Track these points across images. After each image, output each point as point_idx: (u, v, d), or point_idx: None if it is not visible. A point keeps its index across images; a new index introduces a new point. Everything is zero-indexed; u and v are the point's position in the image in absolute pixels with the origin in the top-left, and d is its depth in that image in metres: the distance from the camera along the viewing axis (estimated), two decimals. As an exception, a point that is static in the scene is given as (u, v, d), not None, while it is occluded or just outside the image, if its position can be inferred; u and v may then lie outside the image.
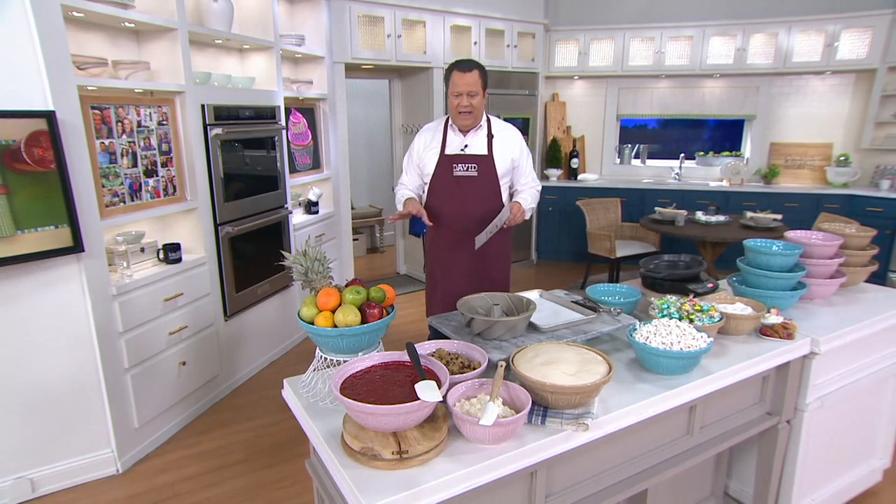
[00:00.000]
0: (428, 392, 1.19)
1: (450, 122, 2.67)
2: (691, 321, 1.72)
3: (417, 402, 1.16)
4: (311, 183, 4.47)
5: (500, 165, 2.63)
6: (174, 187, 2.96)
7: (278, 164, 3.76)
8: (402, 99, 5.57)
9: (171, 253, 2.92)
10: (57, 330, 2.41)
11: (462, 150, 2.62)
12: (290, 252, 3.25)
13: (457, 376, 1.38)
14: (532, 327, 1.71)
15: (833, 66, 5.47)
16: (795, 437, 2.01)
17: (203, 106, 3.03)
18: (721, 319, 1.75)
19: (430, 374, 1.30)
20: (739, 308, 1.89)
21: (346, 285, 1.55)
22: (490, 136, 2.63)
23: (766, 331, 1.84)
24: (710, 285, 2.10)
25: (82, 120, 2.37)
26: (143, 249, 2.86)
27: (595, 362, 1.43)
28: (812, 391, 1.96)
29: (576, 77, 6.38)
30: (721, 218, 4.59)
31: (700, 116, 6.33)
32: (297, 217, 4.22)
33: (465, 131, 2.63)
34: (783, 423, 1.95)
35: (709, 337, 1.62)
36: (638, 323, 1.70)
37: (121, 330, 2.60)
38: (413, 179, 2.74)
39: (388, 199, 6.77)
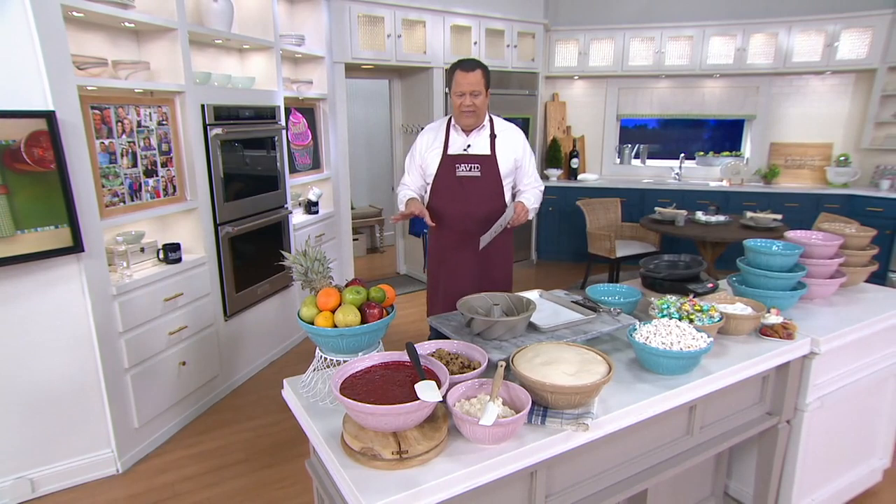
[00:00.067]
0: (428, 392, 1.19)
1: (452, 121, 2.65)
2: (691, 321, 1.72)
3: (417, 402, 1.16)
4: (311, 183, 4.47)
5: (504, 165, 2.63)
6: (174, 187, 2.96)
7: (278, 164, 3.76)
8: (402, 99, 5.57)
9: (171, 253, 2.92)
10: (57, 330, 2.41)
11: (465, 150, 2.62)
12: (289, 252, 3.25)
13: (457, 376, 1.38)
14: (532, 327, 1.70)
15: (833, 66, 5.47)
16: (795, 437, 2.01)
17: (203, 106, 3.03)
18: (721, 319, 1.75)
19: (430, 374, 1.30)
20: (739, 308, 1.89)
21: (346, 285, 1.55)
22: (493, 136, 2.63)
23: (766, 331, 1.84)
24: (710, 285, 2.10)
25: (82, 120, 2.37)
26: (143, 249, 2.86)
27: (595, 362, 1.43)
28: (812, 391, 1.96)
29: (576, 77, 6.38)
30: (721, 218, 4.59)
31: (700, 116, 6.33)
32: (297, 217, 4.22)
33: (467, 131, 2.62)
34: (783, 423, 1.95)
35: (709, 337, 1.62)
36: (638, 323, 1.70)
37: (121, 330, 2.60)
38: (415, 180, 2.73)
39: (388, 199, 6.77)
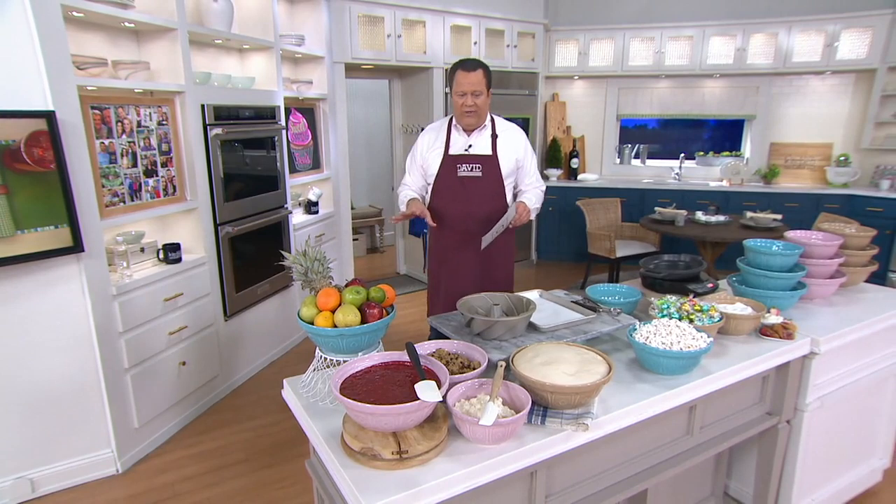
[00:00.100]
0: (428, 392, 1.19)
1: (454, 122, 2.64)
2: (691, 321, 1.72)
3: (417, 402, 1.16)
4: (311, 183, 4.47)
5: (505, 165, 2.62)
6: (174, 187, 2.96)
7: (278, 164, 3.76)
8: (402, 99, 5.57)
9: (170, 253, 2.92)
10: (57, 330, 2.41)
11: (466, 150, 2.61)
12: (289, 252, 3.25)
13: (457, 376, 1.38)
14: (532, 327, 1.70)
15: (833, 66, 5.47)
16: (795, 437, 2.01)
17: (203, 106, 3.03)
18: (721, 319, 1.75)
19: (430, 374, 1.30)
20: (739, 308, 1.89)
21: (346, 285, 1.55)
22: (494, 136, 2.62)
23: (765, 331, 1.84)
24: (710, 285, 2.10)
25: (82, 120, 2.37)
26: (142, 249, 2.86)
27: (595, 362, 1.43)
28: (812, 391, 1.96)
29: (576, 77, 6.38)
30: (721, 218, 4.60)
31: (700, 116, 6.33)
32: (297, 217, 4.22)
33: (469, 131, 2.62)
34: (783, 423, 1.95)
35: (709, 337, 1.62)
36: (638, 323, 1.70)
37: (121, 330, 2.60)
38: (416, 180, 2.72)
39: (387, 199, 6.77)
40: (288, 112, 4.02)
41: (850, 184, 5.58)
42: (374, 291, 1.56)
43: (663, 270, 2.17)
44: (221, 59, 3.64)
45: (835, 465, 2.25)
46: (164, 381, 2.88)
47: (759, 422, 1.89)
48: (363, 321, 1.47)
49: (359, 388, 1.27)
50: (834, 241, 2.18)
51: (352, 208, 5.29)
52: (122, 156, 2.65)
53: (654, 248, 5.01)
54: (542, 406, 1.37)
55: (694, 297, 1.91)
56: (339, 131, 4.68)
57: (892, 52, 5.23)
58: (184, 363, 2.99)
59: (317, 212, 4.41)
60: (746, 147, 6.27)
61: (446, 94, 5.17)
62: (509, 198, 2.69)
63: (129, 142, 2.68)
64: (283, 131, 3.80)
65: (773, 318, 1.85)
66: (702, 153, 6.36)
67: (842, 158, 5.67)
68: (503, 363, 1.37)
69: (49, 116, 2.19)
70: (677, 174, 6.22)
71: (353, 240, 5.36)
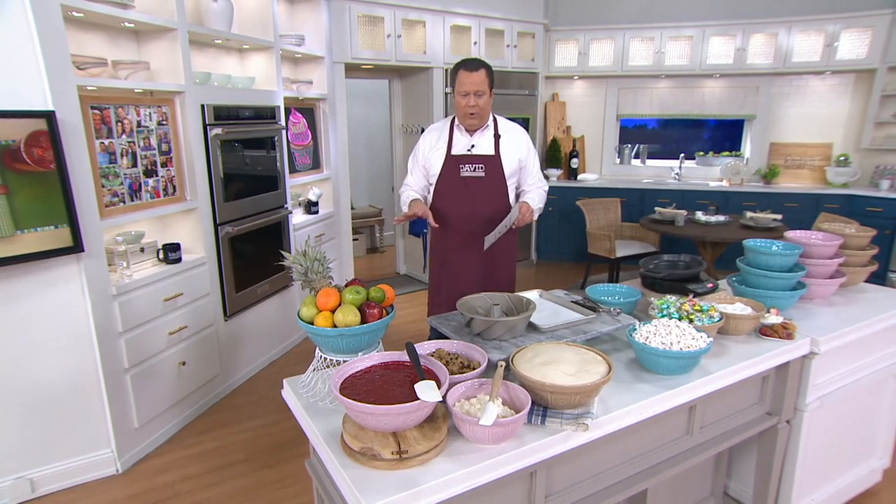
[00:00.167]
0: (427, 392, 1.19)
1: (456, 122, 2.63)
2: (691, 321, 1.72)
3: (417, 402, 1.16)
4: (311, 183, 4.47)
5: (508, 166, 2.61)
6: (174, 187, 2.96)
7: (278, 164, 3.76)
8: (402, 99, 5.57)
9: (170, 253, 2.92)
10: (57, 330, 2.41)
11: (469, 150, 2.60)
12: (289, 252, 3.25)
13: (456, 376, 1.38)
14: (532, 327, 1.71)
15: (833, 66, 5.47)
16: (795, 437, 2.01)
17: (203, 106, 3.03)
18: (721, 319, 1.75)
19: (430, 374, 1.30)
20: (739, 308, 1.89)
21: (346, 285, 1.55)
22: (497, 136, 2.61)
23: (765, 331, 1.84)
24: (710, 285, 2.10)
25: (82, 120, 2.37)
26: (142, 249, 2.86)
27: (595, 362, 1.43)
28: (812, 391, 1.96)
29: (576, 77, 6.38)
30: (721, 218, 4.60)
31: (700, 116, 6.33)
32: (297, 217, 4.22)
33: (471, 131, 2.61)
34: (783, 423, 1.95)
35: (708, 337, 1.62)
36: (638, 323, 1.70)
37: (120, 330, 2.60)
38: (418, 180, 2.71)
39: (388, 200, 6.77)
40: (288, 112, 4.02)
41: (849, 184, 5.59)
42: (373, 291, 1.56)
43: (663, 270, 2.17)
44: (221, 59, 3.64)
45: (834, 465, 2.25)
46: (164, 381, 2.88)
47: (759, 422, 1.89)
48: (363, 321, 1.47)
49: (359, 388, 1.27)
50: (834, 241, 2.18)
51: (352, 208, 5.29)
52: (121, 156, 2.65)
53: (654, 248, 5.01)
54: (542, 406, 1.37)
55: (694, 297, 1.91)
56: (339, 131, 4.68)
57: (892, 52, 5.23)
58: (184, 363, 2.99)
59: (317, 212, 4.41)
60: (746, 147, 6.27)
61: (446, 94, 5.17)
62: (512, 198, 2.68)
63: (129, 142, 2.68)
64: (283, 131, 3.80)
65: (773, 318, 1.85)
66: (702, 153, 6.36)
67: (842, 158, 5.68)
68: (503, 363, 1.37)
69: (49, 116, 2.19)
70: (677, 174, 6.22)
71: (353, 240, 5.37)
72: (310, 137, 4.44)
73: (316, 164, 4.55)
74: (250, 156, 3.50)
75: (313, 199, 4.38)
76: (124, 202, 2.68)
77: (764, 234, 4.07)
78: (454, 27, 5.11)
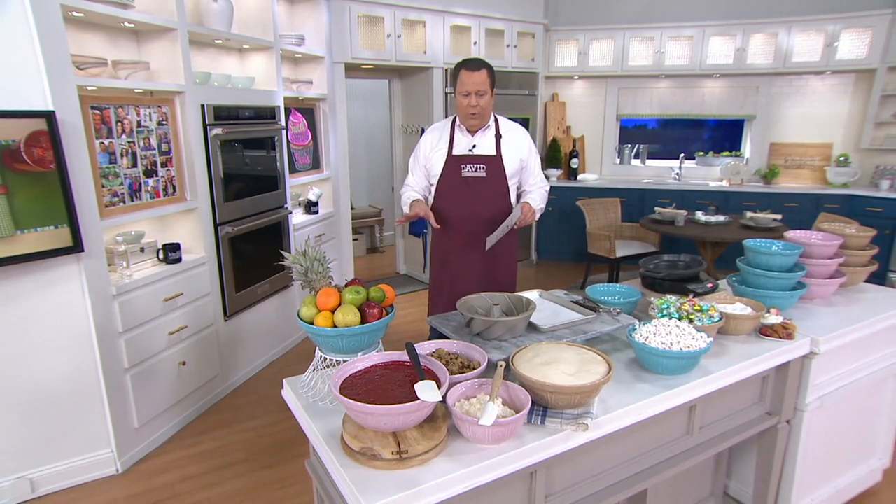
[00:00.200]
0: (427, 392, 1.19)
1: (457, 122, 2.62)
2: (691, 321, 1.72)
3: (417, 402, 1.16)
4: (311, 183, 4.47)
5: (509, 166, 2.60)
6: (174, 187, 2.96)
7: (278, 164, 3.76)
8: (402, 99, 5.57)
9: (170, 253, 2.92)
10: (57, 330, 2.41)
11: (470, 150, 2.59)
12: (289, 252, 3.25)
13: (456, 376, 1.38)
14: (532, 327, 1.71)
15: (833, 66, 5.47)
16: (795, 437, 2.01)
17: (203, 106, 3.03)
18: (721, 319, 1.75)
19: (430, 374, 1.30)
20: (739, 308, 1.89)
21: (346, 285, 1.55)
22: (498, 136, 2.61)
23: (765, 331, 1.84)
24: (710, 285, 2.10)
25: (82, 120, 2.37)
26: (142, 249, 2.86)
27: (595, 362, 1.43)
28: (812, 391, 1.96)
29: (576, 77, 6.38)
30: (721, 218, 4.60)
31: (700, 116, 6.33)
32: (297, 217, 4.22)
33: (473, 131, 2.60)
34: (783, 423, 1.95)
35: (708, 337, 1.62)
36: (637, 323, 1.70)
37: (120, 330, 2.60)
38: (419, 181, 2.70)
39: (387, 200, 6.77)
40: (288, 112, 4.02)
41: (849, 184, 5.59)
42: (373, 291, 1.56)
43: (663, 270, 2.17)
44: (221, 59, 3.64)
45: (834, 465, 2.25)
46: (164, 381, 2.88)
47: (759, 422, 1.89)
48: (363, 321, 1.47)
49: (358, 388, 1.27)
50: (834, 241, 2.18)
51: (352, 208, 5.29)
52: (121, 156, 2.65)
53: (654, 248, 5.01)
54: (542, 406, 1.37)
55: (694, 297, 1.91)
56: (339, 131, 4.68)
57: (892, 52, 5.23)
58: (184, 363, 2.99)
59: (317, 212, 4.41)
60: (746, 147, 6.27)
61: (446, 94, 5.17)
62: (513, 198, 2.68)
63: (129, 142, 2.68)
64: (283, 131, 3.80)
65: (773, 318, 1.85)
66: (702, 153, 6.36)
67: (842, 158, 5.68)
68: (503, 363, 1.37)
69: (49, 116, 2.19)
70: (677, 174, 6.22)
71: (353, 240, 5.36)
72: (310, 137, 4.44)
73: (316, 164, 4.55)
74: (250, 156, 3.50)
75: (313, 199, 4.38)
76: (124, 202, 2.68)
77: (764, 234, 4.07)
78: (454, 27, 5.11)
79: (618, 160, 6.64)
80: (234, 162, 3.33)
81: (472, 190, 2.59)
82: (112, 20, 2.62)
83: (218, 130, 3.13)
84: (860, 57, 5.37)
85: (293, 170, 4.19)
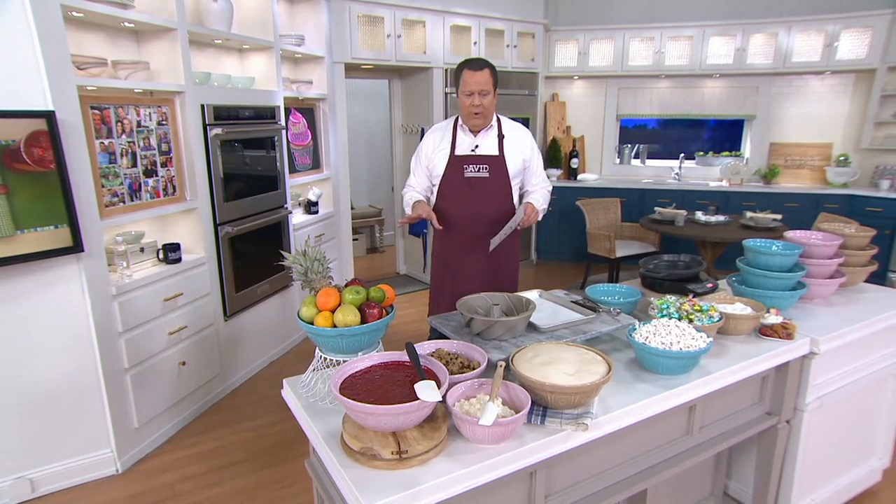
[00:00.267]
0: (427, 392, 1.19)
1: (459, 122, 2.61)
2: (691, 321, 1.72)
3: (417, 402, 1.16)
4: (311, 183, 4.47)
5: (512, 166, 2.59)
6: (174, 187, 2.96)
7: (278, 164, 3.76)
8: (402, 99, 5.57)
9: (170, 253, 2.92)
10: (57, 330, 2.41)
11: (473, 150, 2.58)
12: (289, 252, 3.25)
13: (456, 376, 1.38)
14: (532, 327, 1.71)
15: (833, 66, 5.47)
16: (795, 437, 2.01)
17: (203, 106, 3.03)
18: (720, 319, 1.75)
19: (430, 374, 1.30)
20: (739, 308, 1.89)
21: (346, 285, 1.55)
22: (501, 137, 2.60)
23: (765, 331, 1.84)
24: (710, 285, 2.10)
25: (82, 120, 2.37)
26: (142, 249, 2.86)
27: (594, 362, 1.43)
28: (811, 391, 1.96)
29: (576, 77, 6.39)
30: (721, 218, 4.60)
31: (700, 116, 6.33)
32: (297, 217, 4.22)
33: (475, 131, 2.59)
34: (783, 423, 1.95)
35: (708, 337, 1.62)
36: (637, 323, 1.70)
37: (120, 330, 2.60)
38: (421, 181, 2.69)
39: (387, 200, 6.77)
40: (288, 112, 4.02)
41: (849, 184, 5.59)
42: (373, 291, 1.56)
43: (663, 270, 2.17)
44: (221, 59, 3.64)
45: (834, 465, 2.25)
46: (164, 381, 2.88)
47: (759, 422, 1.89)
48: (363, 321, 1.48)
49: (358, 388, 1.27)
50: (833, 241, 2.18)
51: (352, 208, 5.29)
52: (121, 156, 2.65)
53: (653, 248, 5.01)
54: (542, 406, 1.37)
55: (693, 297, 1.91)
56: (339, 131, 4.68)
57: (892, 52, 5.23)
58: (183, 363, 2.99)
59: (317, 212, 4.41)
60: (746, 147, 6.27)
61: (446, 94, 5.17)
62: (516, 199, 2.67)
63: (129, 142, 2.68)
64: (283, 131, 3.80)
65: (773, 318, 1.85)
66: (702, 153, 6.36)
67: (841, 158, 5.68)
68: (503, 363, 1.37)
69: (49, 116, 2.19)
70: (677, 174, 6.22)
71: (353, 240, 5.36)
72: (310, 137, 4.44)
73: (316, 164, 4.55)
74: (250, 156, 3.50)
75: (313, 199, 4.38)
76: (124, 202, 2.68)
77: (764, 234, 4.07)
78: (454, 27, 5.11)
79: (618, 160, 6.64)
80: (234, 162, 3.33)
81: (474, 190, 2.58)
82: (112, 20, 2.62)
83: (218, 130, 3.13)
84: (860, 57, 5.37)
85: (293, 170, 4.19)
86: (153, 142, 2.81)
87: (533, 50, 5.77)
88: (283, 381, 1.60)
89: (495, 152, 2.58)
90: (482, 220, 2.59)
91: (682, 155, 6.26)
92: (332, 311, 1.48)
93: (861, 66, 5.39)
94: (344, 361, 1.46)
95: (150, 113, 2.77)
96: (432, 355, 1.51)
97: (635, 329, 1.67)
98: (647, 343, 1.58)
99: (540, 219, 2.57)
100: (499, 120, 2.63)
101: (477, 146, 2.58)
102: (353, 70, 4.92)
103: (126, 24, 2.71)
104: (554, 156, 6.27)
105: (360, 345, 1.49)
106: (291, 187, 4.01)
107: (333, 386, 1.24)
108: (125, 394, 2.66)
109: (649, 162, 6.61)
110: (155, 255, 2.95)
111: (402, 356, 1.39)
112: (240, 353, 3.51)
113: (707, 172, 6.27)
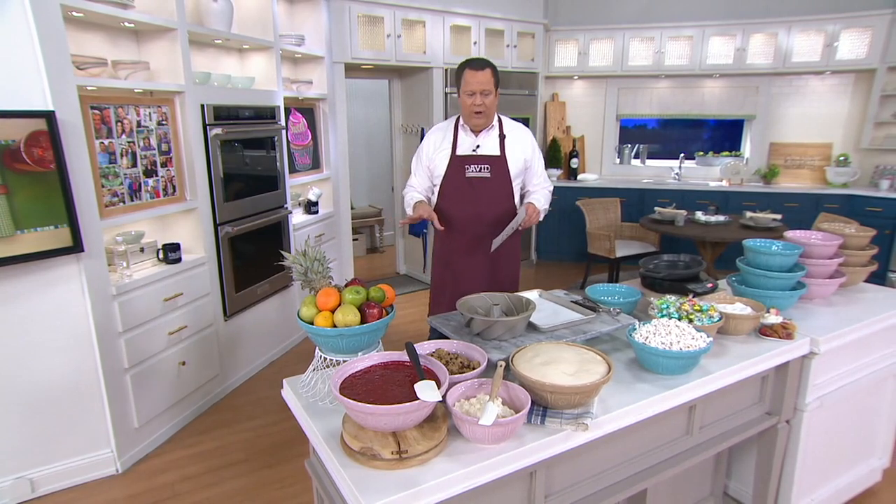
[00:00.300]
0: (427, 392, 1.19)
1: (461, 122, 2.61)
2: (691, 321, 1.72)
3: (417, 401, 1.16)
4: (311, 183, 4.47)
5: (514, 166, 2.59)
6: (174, 187, 2.96)
7: (278, 164, 3.76)
8: (402, 99, 5.57)
9: (170, 253, 2.92)
10: (57, 330, 2.41)
11: (474, 150, 2.58)
12: (289, 252, 3.25)
13: (456, 376, 1.38)
14: (531, 327, 1.71)
15: (833, 66, 5.47)
16: (795, 437, 2.01)
17: (203, 106, 3.03)
18: (720, 319, 1.75)
19: (430, 374, 1.30)
20: (739, 308, 1.89)
21: (346, 285, 1.55)
22: (502, 137, 2.60)
23: (765, 331, 1.84)
24: (710, 285, 2.10)
25: (82, 120, 2.37)
26: (142, 249, 2.86)
27: (594, 362, 1.43)
28: (811, 391, 1.96)
29: (575, 77, 6.39)
30: (721, 218, 4.60)
31: (700, 116, 6.33)
32: (297, 217, 4.22)
33: (476, 131, 2.59)
34: (782, 422, 1.95)
35: (708, 337, 1.62)
36: (637, 323, 1.70)
37: (120, 330, 2.60)
38: (422, 181, 2.68)
39: (387, 200, 6.77)
40: (288, 112, 4.02)
41: (849, 184, 5.59)
42: (373, 291, 1.56)
43: (663, 270, 2.17)
44: (221, 59, 3.64)
45: (834, 465, 2.25)
46: (164, 381, 2.88)
47: (759, 422, 1.89)
48: (363, 321, 1.48)
49: (358, 388, 1.27)
50: (833, 241, 2.18)
51: (352, 208, 5.29)
52: (121, 156, 2.65)
53: (653, 248, 5.01)
54: (542, 406, 1.37)
55: (693, 297, 1.91)
56: (339, 131, 4.68)
57: (892, 52, 5.23)
58: (183, 363, 2.99)
59: (317, 212, 4.41)
60: (746, 147, 6.28)
61: (446, 94, 5.16)
62: (517, 199, 2.66)
63: (129, 142, 2.68)
64: (283, 131, 3.80)
65: (773, 318, 1.85)
66: (701, 153, 6.36)
67: (841, 158, 5.68)
68: (503, 363, 1.37)
69: (49, 116, 2.19)
70: (677, 174, 6.22)
71: (353, 240, 5.37)
72: (310, 137, 4.44)
73: (316, 164, 4.55)
74: (250, 156, 3.50)
75: (313, 199, 4.38)
76: (124, 202, 2.68)
77: (764, 234, 4.07)
78: (454, 27, 5.11)
79: (618, 160, 6.64)
80: (234, 162, 3.33)
81: (476, 190, 2.58)
82: (112, 20, 2.62)
83: (218, 130, 3.13)
84: (860, 57, 5.37)
85: (293, 170, 4.19)
86: (153, 142, 2.81)
87: (533, 50, 5.77)
88: (283, 381, 1.60)
89: (497, 152, 2.58)
90: (483, 221, 2.58)
91: (681, 155, 6.26)
92: (332, 311, 1.48)
93: (861, 66, 5.39)
94: (344, 361, 1.46)
95: (150, 113, 2.78)
96: (432, 355, 1.51)
97: (635, 329, 1.67)
98: (647, 343, 1.58)
99: (541, 219, 2.57)
100: (500, 120, 2.63)
101: (478, 146, 2.58)
102: (353, 70, 4.92)
103: (126, 24, 2.71)
104: (554, 156, 6.27)
105: (360, 345, 1.49)
106: (291, 187, 4.01)
107: (333, 386, 1.24)
108: (125, 394, 2.66)
109: (649, 162, 6.61)
110: (155, 255, 2.95)
111: (402, 356, 1.39)
112: (240, 353, 3.51)
113: (707, 172, 6.27)
